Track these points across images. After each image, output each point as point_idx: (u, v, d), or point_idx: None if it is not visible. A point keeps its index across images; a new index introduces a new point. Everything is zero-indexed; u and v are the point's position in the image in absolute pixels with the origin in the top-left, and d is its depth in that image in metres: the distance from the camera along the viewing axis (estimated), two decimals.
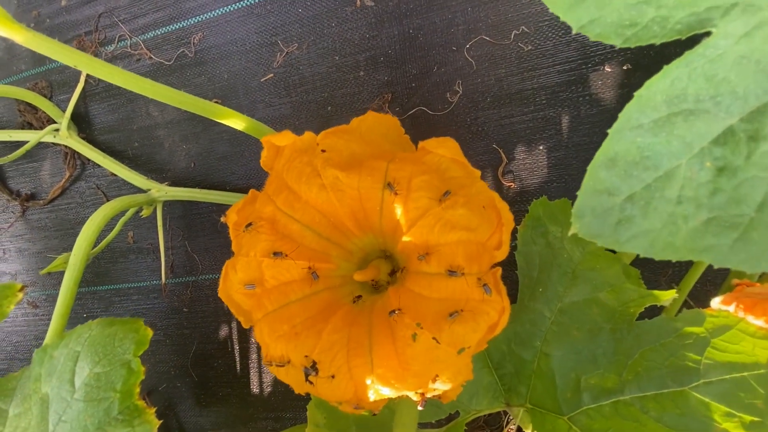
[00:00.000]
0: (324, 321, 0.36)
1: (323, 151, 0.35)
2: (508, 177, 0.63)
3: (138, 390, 0.36)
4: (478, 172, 0.34)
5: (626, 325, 0.43)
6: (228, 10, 0.70)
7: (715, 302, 0.42)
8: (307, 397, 0.53)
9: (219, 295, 0.37)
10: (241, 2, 0.69)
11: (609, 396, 0.41)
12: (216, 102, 0.73)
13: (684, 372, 0.37)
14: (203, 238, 0.76)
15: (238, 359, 0.76)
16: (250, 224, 0.35)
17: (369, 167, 0.34)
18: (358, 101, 0.67)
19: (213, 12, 0.71)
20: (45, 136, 0.75)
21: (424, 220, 0.34)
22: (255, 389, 0.75)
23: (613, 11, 0.23)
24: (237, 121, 0.53)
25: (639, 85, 0.27)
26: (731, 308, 0.40)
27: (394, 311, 0.34)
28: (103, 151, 0.76)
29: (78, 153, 0.77)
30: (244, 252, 0.36)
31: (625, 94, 0.63)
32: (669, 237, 0.22)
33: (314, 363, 0.32)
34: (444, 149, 0.34)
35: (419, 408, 0.31)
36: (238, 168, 0.72)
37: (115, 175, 0.74)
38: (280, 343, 0.34)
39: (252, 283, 0.35)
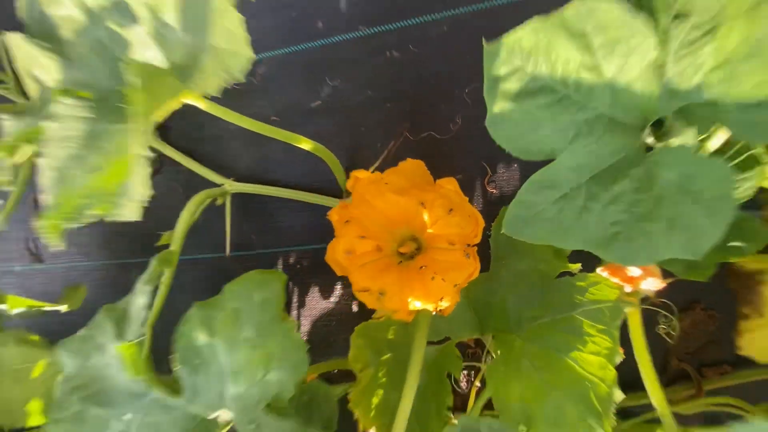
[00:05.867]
0: (386, 270, 0.77)
1: (386, 183, 0.80)
2: (492, 185, 1.06)
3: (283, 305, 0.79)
4: (467, 199, 0.79)
5: (550, 282, 0.88)
6: (287, 51, 1.11)
7: (598, 270, 0.89)
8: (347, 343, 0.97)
9: (326, 259, 0.81)
10: (298, 46, 1.10)
11: (537, 321, 0.86)
12: (274, 119, 1.15)
13: (573, 305, 0.81)
14: (256, 222, 1.18)
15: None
16: (347, 221, 0.81)
17: (410, 193, 0.73)
18: (385, 126, 1.04)
19: (275, 51, 1.11)
20: None
21: (439, 222, 0.73)
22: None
23: (520, 143, 0.67)
24: (305, 144, 0.96)
25: None
26: (605, 273, 0.86)
27: (421, 267, 0.75)
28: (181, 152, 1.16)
29: (160, 152, 1.17)
30: (342, 234, 0.77)
31: None
32: (565, 234, 0.65)
33: (382, 291, 0.78)
34: (450, 185, 0.74)
35: (433, 313, 0.78)
36: (290, 171, 1.13)
37: (190, 171, 1.15)
38: (363, 281, 0.77)
39: (349, 251, 0.80)
